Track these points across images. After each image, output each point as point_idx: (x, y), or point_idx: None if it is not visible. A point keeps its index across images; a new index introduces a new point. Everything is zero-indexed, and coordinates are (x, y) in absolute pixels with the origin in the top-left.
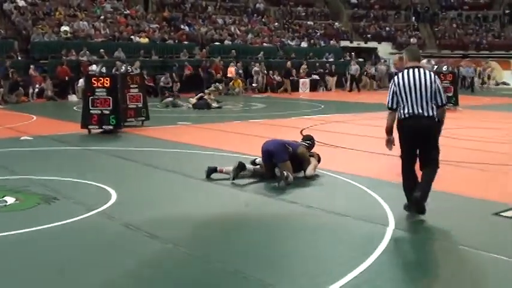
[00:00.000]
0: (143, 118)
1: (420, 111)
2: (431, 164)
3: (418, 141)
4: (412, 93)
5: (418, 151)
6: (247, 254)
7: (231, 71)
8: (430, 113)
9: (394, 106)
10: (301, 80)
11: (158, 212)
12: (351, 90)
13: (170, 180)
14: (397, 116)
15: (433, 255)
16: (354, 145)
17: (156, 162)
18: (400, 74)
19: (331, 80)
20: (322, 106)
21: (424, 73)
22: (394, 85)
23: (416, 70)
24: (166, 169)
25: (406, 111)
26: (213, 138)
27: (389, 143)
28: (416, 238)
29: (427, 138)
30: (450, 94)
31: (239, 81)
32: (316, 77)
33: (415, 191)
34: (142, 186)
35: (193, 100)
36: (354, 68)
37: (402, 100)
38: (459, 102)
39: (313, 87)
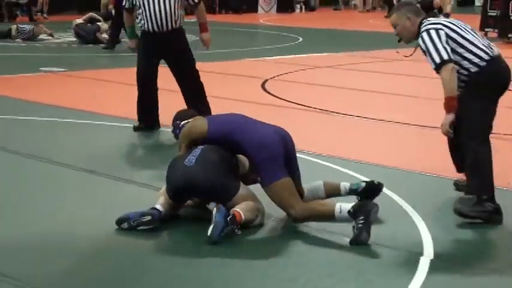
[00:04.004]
0: None
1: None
2: None
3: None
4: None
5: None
6: None
7: None
8: None
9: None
10: None
11: (4, 229)
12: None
13: (24, 170)
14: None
15: None
16: (354, 108)
17: (3, 139)
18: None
19: None
20: (300, 39)
21: None
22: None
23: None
24: (18, 152)
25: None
26: (106, 95)
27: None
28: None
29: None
30: None
31: None
32: None
33: None
34: None
35: (79, 21)
36: None
37: (468, 41)
38: None
39: (284, 4)
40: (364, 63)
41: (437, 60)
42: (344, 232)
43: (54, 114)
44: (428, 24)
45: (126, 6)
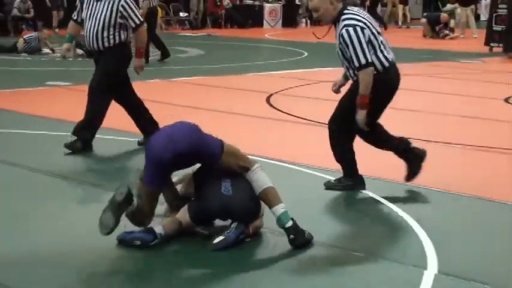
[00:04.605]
0: None
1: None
2: None
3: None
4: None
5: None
6: None
7: None
8: None
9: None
10: (267, 6)
11: (5, 243)
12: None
13: (26, 184)
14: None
15: None
16: None
17: (7, 153)
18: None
19: None
20: (306, 53)
21: None
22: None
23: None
24: (20, 165)
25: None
26: (111, 109)
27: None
28: None
29: None
30: None
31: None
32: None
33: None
34: None
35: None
36: None
37: (379, 43)
38: None
39: (288, 19)
40: None
41: (363, 61)
42: (351, 247)
43: (59, 128)
44: (352, 19)
45: (74, 18)
